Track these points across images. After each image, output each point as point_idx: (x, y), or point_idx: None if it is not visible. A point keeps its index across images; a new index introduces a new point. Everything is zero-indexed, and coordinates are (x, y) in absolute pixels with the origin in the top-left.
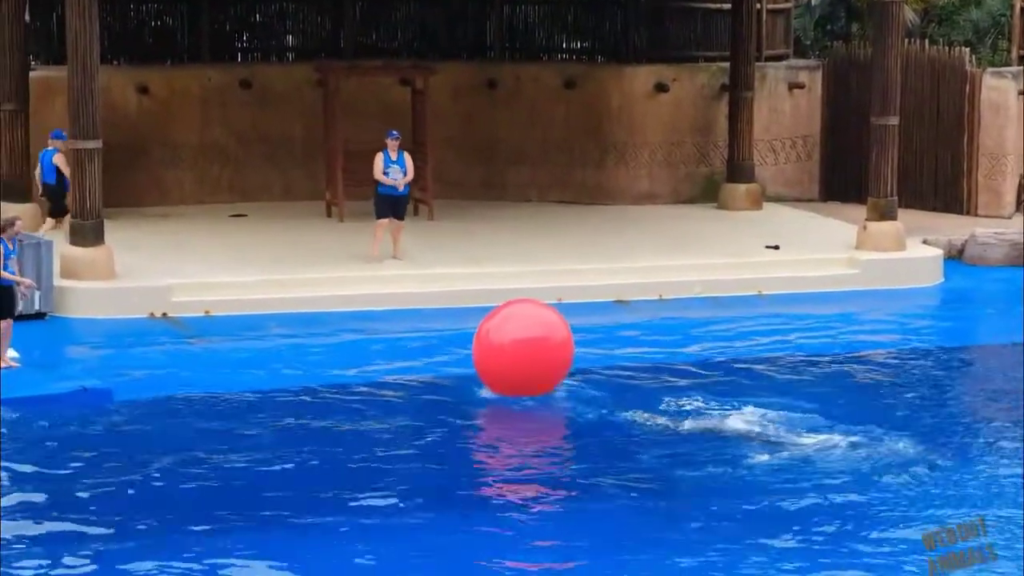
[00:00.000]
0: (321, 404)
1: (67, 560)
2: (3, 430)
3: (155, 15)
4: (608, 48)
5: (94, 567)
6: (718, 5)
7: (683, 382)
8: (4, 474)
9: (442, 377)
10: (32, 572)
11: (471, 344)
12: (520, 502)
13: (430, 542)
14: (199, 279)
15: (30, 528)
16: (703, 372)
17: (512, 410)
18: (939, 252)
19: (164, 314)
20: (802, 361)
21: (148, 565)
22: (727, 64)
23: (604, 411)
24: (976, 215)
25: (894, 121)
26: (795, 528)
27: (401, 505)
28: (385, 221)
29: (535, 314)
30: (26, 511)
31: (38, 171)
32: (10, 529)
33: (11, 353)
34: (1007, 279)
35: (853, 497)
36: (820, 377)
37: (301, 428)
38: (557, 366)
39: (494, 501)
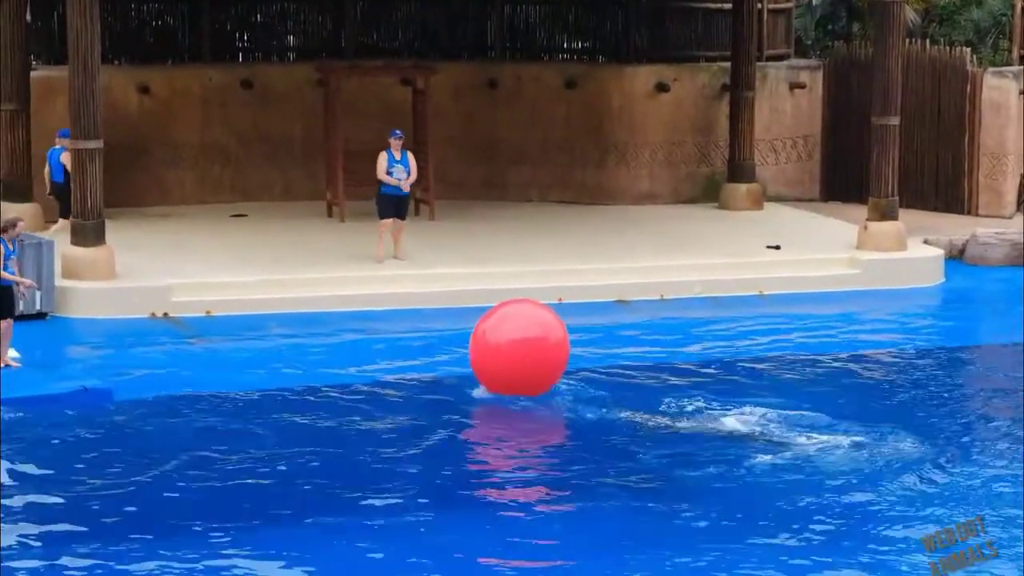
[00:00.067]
0: (322, 404)
1: (67, 560)
2: (3, 430)
3: (156, 15)
4: (609, 48)
5: (94, 567)
6: (719, 5)
7: (684, 382)
8: (4, 474)
9: (443, 377)
10: (32, 572)
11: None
12: (521, 501)
13: (431, 541)
14: (200, 279)
15: (30, 528)
16: (704, 372)
17: (513, 410)
18: (940, 252)
19: (165, 314)
20: (803, 361)
21: (148, 565)
22: (728, 64)
23: (605, 411)
24: (977, 215)
25: (895, 121)
26: (795, 528)
27: (402, 504)
28: (389, 221)
29: (532, 314)
30: (26, 511)
31: (47, 170)
32: (10, 529)
33: (12, 353)
34: (1008, 279)
35: (854, 497)
36: (821, 377)
37: (302, 428)
38: (554, 366)
39: (495, 500)
